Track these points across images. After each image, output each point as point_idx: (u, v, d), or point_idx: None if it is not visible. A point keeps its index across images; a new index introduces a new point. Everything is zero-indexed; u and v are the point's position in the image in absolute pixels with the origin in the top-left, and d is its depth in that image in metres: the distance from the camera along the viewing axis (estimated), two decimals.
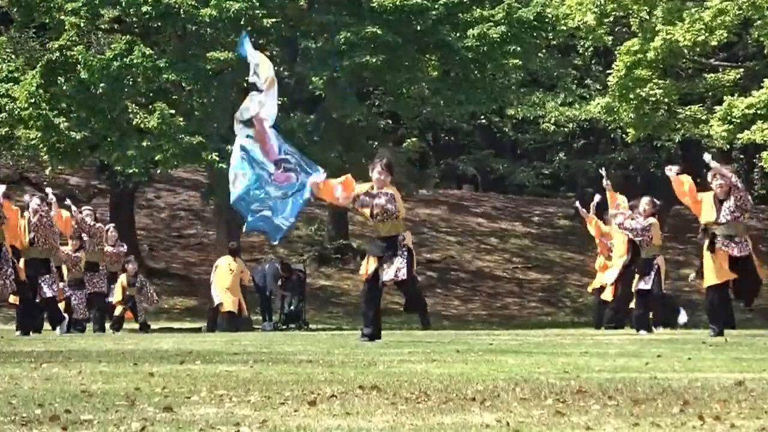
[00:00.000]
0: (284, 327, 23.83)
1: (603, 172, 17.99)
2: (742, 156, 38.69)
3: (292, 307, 24.50)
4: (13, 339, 13.97)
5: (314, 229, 34.84)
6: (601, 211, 19.40)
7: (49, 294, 16.70)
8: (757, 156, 26.83)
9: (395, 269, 12.58)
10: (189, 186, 37.71)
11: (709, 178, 14.15)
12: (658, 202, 16.71)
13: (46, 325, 17.78)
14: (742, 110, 23.35)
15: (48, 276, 16.79)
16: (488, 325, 26.24)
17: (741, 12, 23.45)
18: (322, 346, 11.45)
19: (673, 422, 4.54)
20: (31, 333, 16.15)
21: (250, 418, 4.76)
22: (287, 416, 4.83)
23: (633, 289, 16.65)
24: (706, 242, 13.98)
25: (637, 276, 16.51)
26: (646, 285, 16.12)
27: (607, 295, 18.95)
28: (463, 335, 15.42)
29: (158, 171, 26.81)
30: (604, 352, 9.81)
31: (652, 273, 16.11)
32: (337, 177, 13.32)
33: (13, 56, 26.40)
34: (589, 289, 22.07)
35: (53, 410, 5.01)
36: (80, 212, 19.49)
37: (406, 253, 12.74)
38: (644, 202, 16.43)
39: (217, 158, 22.99)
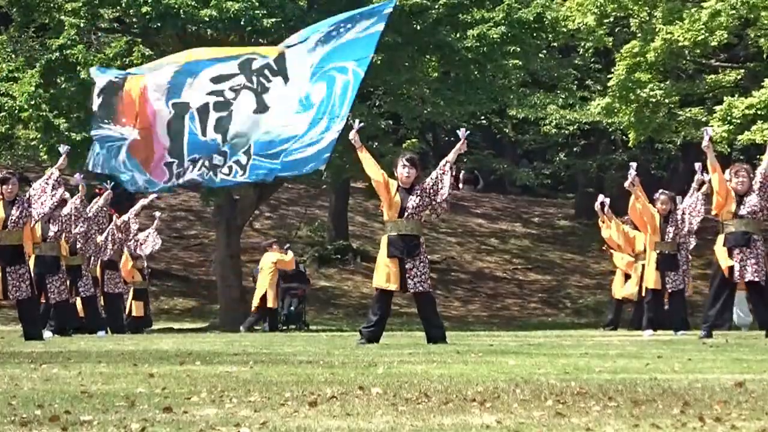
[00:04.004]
0: (284, 328, 23.83)
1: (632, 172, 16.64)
2: (742, 157, 38.62)
3: (292, 308, 24.50)
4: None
5: (314, 230, 34.83)
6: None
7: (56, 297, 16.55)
8: (758, 158, 26.78)
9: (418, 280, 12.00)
10: (189, 187, 37.68)
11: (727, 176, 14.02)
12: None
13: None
14: (742, 110, 23.32)
15: (57, 277, 16.61)
16: (488, 326, 26.23)
17: (734, 12, 23.39)
18: (322, 347, 11.45)
19: (674, 423, 4.53)
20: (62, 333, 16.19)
21: (250, 418, 4.76)
22: (287, 417, 4.82)
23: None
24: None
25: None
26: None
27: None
28: (463, 336, 15.42)
29: None
30: (605, 353, 9.81)
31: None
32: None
33: (12, 56, 26.38)
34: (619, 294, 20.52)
35: (53, 411, 5.01)
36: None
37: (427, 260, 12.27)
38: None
39: None
